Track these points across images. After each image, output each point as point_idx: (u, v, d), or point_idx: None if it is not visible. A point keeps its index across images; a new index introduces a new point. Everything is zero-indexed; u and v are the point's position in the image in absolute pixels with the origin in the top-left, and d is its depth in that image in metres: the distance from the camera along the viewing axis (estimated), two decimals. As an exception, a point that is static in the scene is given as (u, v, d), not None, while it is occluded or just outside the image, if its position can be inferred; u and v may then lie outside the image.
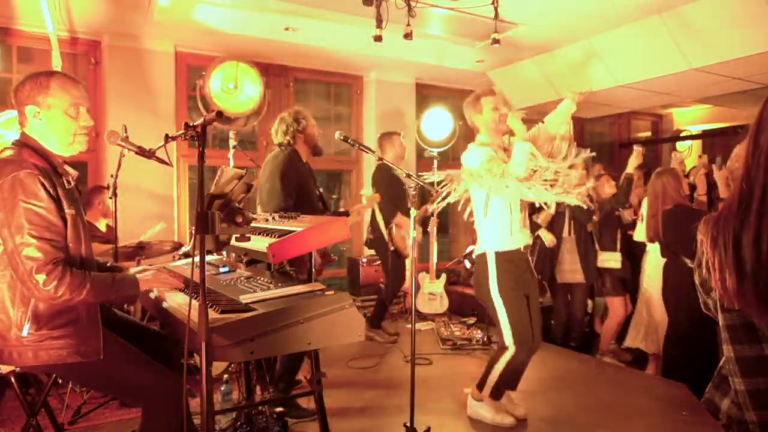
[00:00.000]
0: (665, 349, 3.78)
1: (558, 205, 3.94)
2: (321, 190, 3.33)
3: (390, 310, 5.36)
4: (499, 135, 2.99)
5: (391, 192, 4.44)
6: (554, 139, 2.96)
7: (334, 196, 6.65)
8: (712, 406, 1.16)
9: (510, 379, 2.98)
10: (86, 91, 1.97)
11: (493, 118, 2.94)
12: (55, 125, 1.86)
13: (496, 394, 3.01)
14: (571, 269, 4.43)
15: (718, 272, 1.02)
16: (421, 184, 2.77)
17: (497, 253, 2.86)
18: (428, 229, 4.96)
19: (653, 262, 4.05)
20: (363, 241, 6.14)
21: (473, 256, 3.08)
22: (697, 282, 1.15)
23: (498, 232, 2.87)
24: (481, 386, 3.02)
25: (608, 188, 4.46)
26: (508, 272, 2.86)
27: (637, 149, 4.21)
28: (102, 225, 4.03)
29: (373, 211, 4.68)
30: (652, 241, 3.84)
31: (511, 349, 2.87)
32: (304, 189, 3.12)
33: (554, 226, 4.44)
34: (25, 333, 1.77)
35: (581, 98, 2.98)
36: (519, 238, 2.89)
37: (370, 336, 4.66)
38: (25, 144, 1.85)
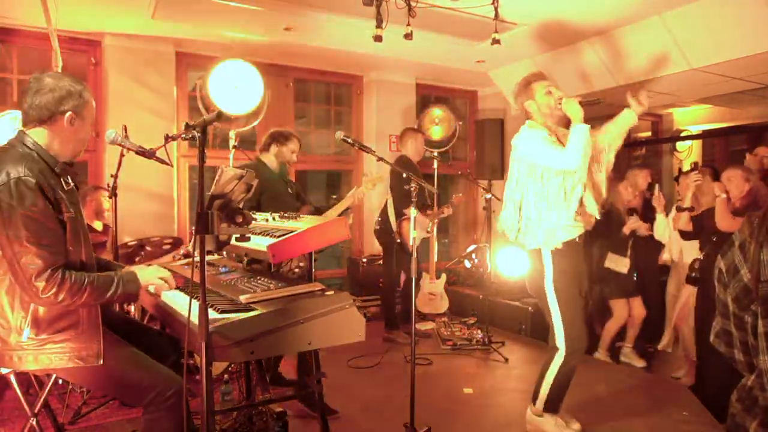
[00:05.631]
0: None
1: None
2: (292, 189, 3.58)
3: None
4: (554, 120, 2.79)
5: (402, 187, 4.49)
6: (602, 152, 2.81)
7: (334, 197, 6.65)
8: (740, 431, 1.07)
9: (563, 387, 2.80)
10: None
11: (547, 103, 2.76)
12: (82, 134, 1.95)
13: (553, 406, 2.82)
14: None
15: None
16: (421, 185, 2.77)
17: (553, 251, 2.71)
18: (429, 230, 4.95)
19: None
20: (363, 241, 6.15)
21: (527, 250, 2.86)
22: (729, 297, 1.04)
23: (553, 223, 2.70)
24: (534, 399, 2.85)
25: (625, 195, 4.43)
26: (564, 268, 2.73)
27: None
28: (98, 225, 4.02)
29: (386, 202, 4.72)
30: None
31: (561, 351, 2.74)
32: (271, 195, 3.32)
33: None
34: (24, 338, 1.77)
35: (641, 104, 2.78)
36: (575, 228, 2.74)
37: (390, 338, 4.64)
38: (24, 145, 1.81)
